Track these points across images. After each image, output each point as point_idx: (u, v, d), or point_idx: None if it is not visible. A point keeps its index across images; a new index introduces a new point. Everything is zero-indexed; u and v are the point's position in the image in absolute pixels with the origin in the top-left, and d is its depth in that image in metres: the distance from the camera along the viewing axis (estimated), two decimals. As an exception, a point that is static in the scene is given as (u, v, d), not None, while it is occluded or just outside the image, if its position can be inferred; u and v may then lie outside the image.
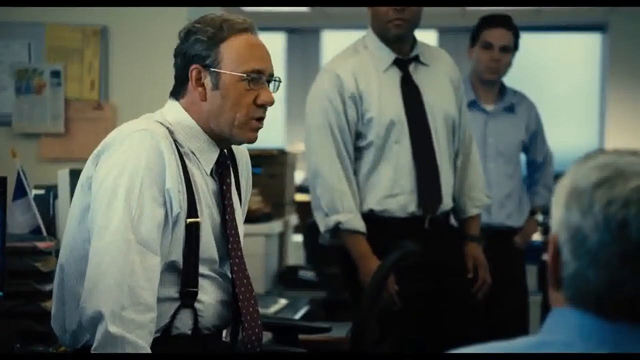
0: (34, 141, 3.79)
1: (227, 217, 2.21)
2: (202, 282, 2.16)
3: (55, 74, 3.76)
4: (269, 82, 2.19)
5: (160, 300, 2.09)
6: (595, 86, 8.94)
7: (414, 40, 3.29)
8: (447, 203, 3.26)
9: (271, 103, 2.17)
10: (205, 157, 2.19)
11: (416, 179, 3.20)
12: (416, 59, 3.28)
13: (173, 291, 2.14)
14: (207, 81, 2.16)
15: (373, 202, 3.20)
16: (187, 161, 2.15)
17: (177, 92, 2.21)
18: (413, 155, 3.20)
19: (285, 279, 4.81)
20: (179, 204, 2.09)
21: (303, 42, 8.92)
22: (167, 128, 2.15)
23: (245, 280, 2.22)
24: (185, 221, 2.11)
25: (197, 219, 2.12)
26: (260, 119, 2.18)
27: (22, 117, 3.77)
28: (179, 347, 2.14)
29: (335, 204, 3.15)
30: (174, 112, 2.20)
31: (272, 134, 8.18)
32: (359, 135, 3.22)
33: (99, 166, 2.11)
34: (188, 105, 2.19)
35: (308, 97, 3.28)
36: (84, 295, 2.05)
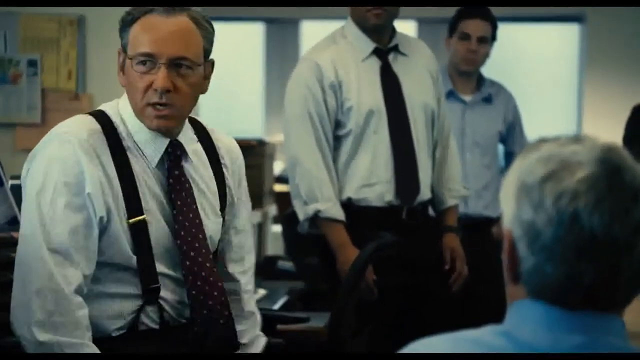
0: (10, 131, 3.77)
1: (174, 211, 2.10)
2: (163, 280, 2.10)
3: (32, 64, 3.74)
4: (176, 66, 2.04)
5: (121, 296, 2.07)
6: (573, 77, 8.97)
7: (393, 31, 3.30)
8: (425, 193, 3.27)
9: (161, 88, 2.01)
10: (150, 149, 2.09)
11: (394, 168, 3.20)
12: (395, 49, 3.28)
13: (133, 289, 2.08)
14: (122, 67, 2.11)
15: (351, 191, 3.20)
16: (130, 156, 2.07)
17: None
18: (391, 145, 3.21)
19: (264, 269, 4.80)
20: (107, 206, 2.02)
21: (282, 32, 8.89)
22: (109, 122, 2.07)
23: (198, 281, 2.11)
24: (127, 221, 2.04)
25: (142, 217, 2.05)
26: (158, 105, 2.03)
27: (-2, 107, 3.75)
28: (147, 343, 2.10)
29: (314, 192, 3.16)
30: (126, 101, 2.13)
31: (251, 124, 8.15)
32: (338, 124, 3.22)
33: (28, 172, 2.08)
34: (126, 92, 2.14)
35: (287, 86, 3.28)
36: (11, 309, 2.02)
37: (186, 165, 2.15)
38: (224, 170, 2.25)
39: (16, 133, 3.77)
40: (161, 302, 2.10)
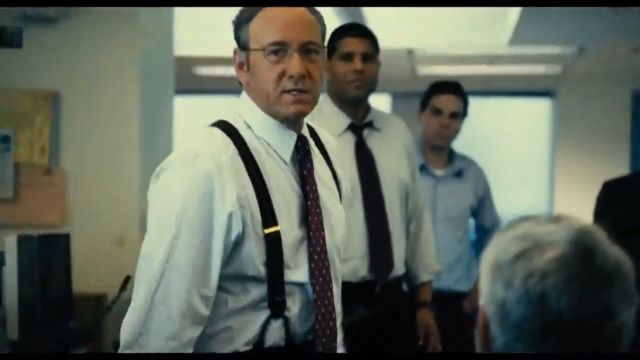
0: (-18, 206, 3.74)
1: (308, 202, 2.06)
2: (290, 289, 2.04)
3: (5, 139, 3.74)
4: (306, 51, 2.02)
5: (246, 309, 2.01)
6: (544, 151, 9.07)
7: (368, 107, 3.33)
8: (399, 268, 3.27)
9: (297, 74, 1.99)
10: (281, 146, 2.06)
11: (368, 243, 3.20)
12: (370, 124, 3.31)
13: (259, 301, 2.02)
14: (244, 64, 2.07)
15: (324, 267, 3.20)
16: (260, 160, 2.03)
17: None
18: (365, 221, 3.21)
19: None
20: (244, 221, 1.96)
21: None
22: (235, 131, 2.03)
23: (321, 279, 2.07)
24: (263, 232, 1.98)
25: (276, 228, 2.00)
26: (295, 91, 2.00)
27: (-30, 182, 3.73)
28: None
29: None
30: (245, 103, 2.09)
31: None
32: (313, 199, 3.22)
33: (154, 188, 2.02)
34: (246, 92, 2.11)
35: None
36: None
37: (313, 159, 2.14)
38: (331, 156, 2.25)
39: (-12, 207, 3.75)
40: (287, 314, 2.04)
